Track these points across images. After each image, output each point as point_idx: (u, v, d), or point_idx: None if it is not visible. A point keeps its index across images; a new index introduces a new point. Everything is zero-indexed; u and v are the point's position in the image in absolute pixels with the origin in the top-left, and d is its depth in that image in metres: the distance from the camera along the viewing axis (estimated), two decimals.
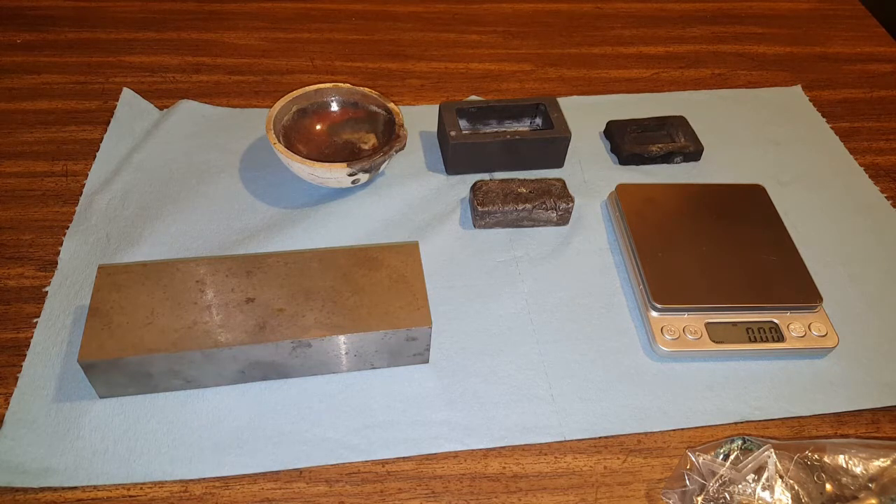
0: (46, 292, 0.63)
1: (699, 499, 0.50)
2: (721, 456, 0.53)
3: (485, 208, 0.70)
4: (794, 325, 0.63)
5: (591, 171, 0.79)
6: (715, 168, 0.81)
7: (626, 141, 0.81)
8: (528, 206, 0.70)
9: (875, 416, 0.60)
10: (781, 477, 0.49)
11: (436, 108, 0.81)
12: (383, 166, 0.72)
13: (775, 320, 0.63)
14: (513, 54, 0.96)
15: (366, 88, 0.77)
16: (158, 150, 0.77)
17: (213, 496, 0.52)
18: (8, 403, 0.56)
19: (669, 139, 0.82)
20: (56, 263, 0.66)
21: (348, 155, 0.76)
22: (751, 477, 0.50)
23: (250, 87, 0.88)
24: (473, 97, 0.88)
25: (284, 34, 0.97)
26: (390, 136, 0.74)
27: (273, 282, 0.58)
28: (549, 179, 0.73)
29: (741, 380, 0.61)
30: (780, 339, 0.62)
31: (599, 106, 0.88)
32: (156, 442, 0.54)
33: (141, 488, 0.52)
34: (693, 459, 0.52)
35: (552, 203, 0.71)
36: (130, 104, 0.83)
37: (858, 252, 0.73)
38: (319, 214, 0.71)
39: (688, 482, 0.51)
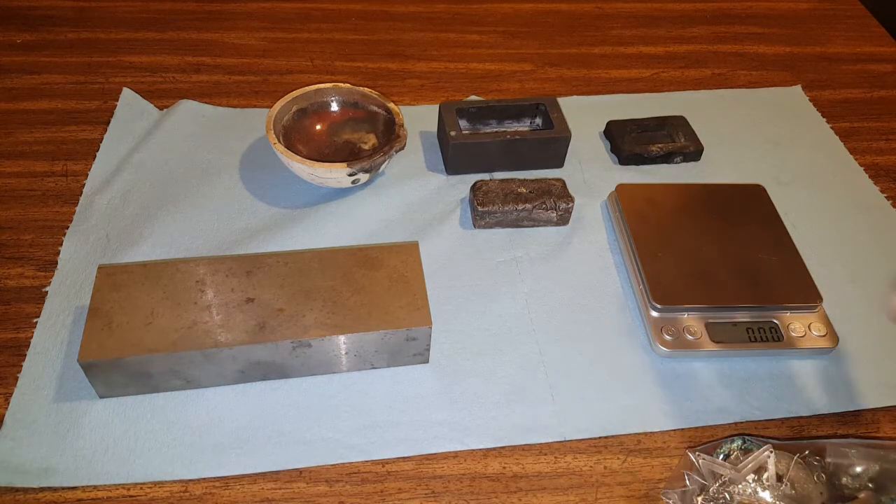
0: (46, 292, 0.63)
1: (699, 499, 0.50)
2: (721, 456, 0.53)
3: (485, 208, 0.70)
4: (794, 325, 0.63)
5: (591, 171, 0.79)
6: (715, 168, 0.81)
7: (626, 141, 0.81)
8: (528, 206, 0.70)
9: (875, 416, 0.60)
10: (781, 477, 0.49)
11: (436, 108, 0.81)
12: (383, 166, 0.72)
13: (775, 320, 0.63)
14: (513, 54, 0.96)
15: (366, 88, 0.77)
16: (158, 150, 0.77)
17: (213, 496, 0.52)
18: (8, 403, 0.56)
19: (669, 139, 0.82)
20: (56, 263, 0.66)
21: (348, 155, 0.76)
22: (751, 477, 0.50)
23: (250, 87, 0.88)
24: (473, 97, 0.88)
25: (284, 34, 0.97)
26: (390, 136, 0.74)
27: (273, 282, 0.58)
28: (549, 179, 0.73)
29: (741, 380, 0.61)
30: (780, 339, 0.62)
31: (599, 106, 0.88)
32: (156, 442, 0.54)
33: (141, 488, 0.52)
34: (693, 459, 0.52)
35: (552, 203, 0.71)
36: (130, 104, 0.83)
37: (858, 252, 0.73)
38: (319, 214, 0.71)
39: (688, 482, 0.51)
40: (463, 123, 0.79)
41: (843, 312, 0.66)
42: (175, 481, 0.53)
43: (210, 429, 0.55)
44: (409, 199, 0.74)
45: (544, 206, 0.71)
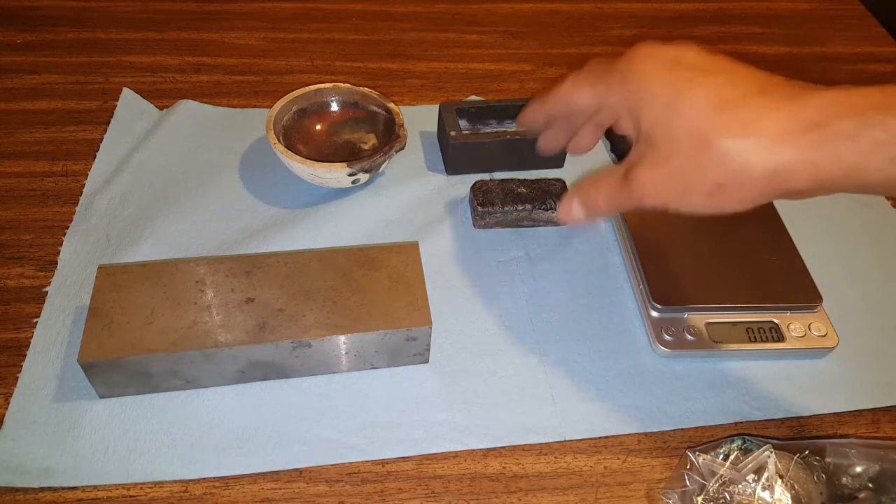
0: (46, 292, 0.63)
1: (699, 499, 0.50)
2: (721, 456, 0.53)
3: (485, 208, 0.70)
4: (794, 325, 0.63)
5: (591, 171, 0.79)
6: None
7: (627, 141, 0.80)
8: (528, 206, 0.70)
9: (875, 416, 0.60)
10: (781, 477, 0.49)
11: (436, 108, 0.81)
12: (383, 166, 0.72)
13: (775, 320, 0.63)
14: (513, 54, 0.96)
15: (366, 88, 0.77)
16: (158, 151, 0.77)
17: (213, 496, 0.52)
18: (8, 403, 0.56)
19: None
20: (56, 263, 0.66)
21: (348, 155, 0.76)
22: (751, 477, 0.50)
23: (250, 87, 0.88)
24: (473, 97, 0.88)
25: (284, 34, 0.97)
26: (390, 136, 0.74)
27: (273, 282, 0.58)
28: (549, 179, 0.73)
29: (741, 380, 0.61)
30: (780, 339, 0.62)
31: None
32: (156, 442, 0.54)
33: (141, 488, 0.52)
34: (693, 459, 0.52)
35: (552, 203, 0.71)
36: (130, 104, 0.83)
37: (858, 252, 0.73)
38: (319, 214, 0.71)
39: (688, 482, 0.51)
40: (463, 123, 0.79)
41: (843, 312, 0.66)
42: (175, 481, 0.53)
43: (210, 429, 0.55)
44: (409, 199, 0.74)
45: (544, 206, 0.71)
